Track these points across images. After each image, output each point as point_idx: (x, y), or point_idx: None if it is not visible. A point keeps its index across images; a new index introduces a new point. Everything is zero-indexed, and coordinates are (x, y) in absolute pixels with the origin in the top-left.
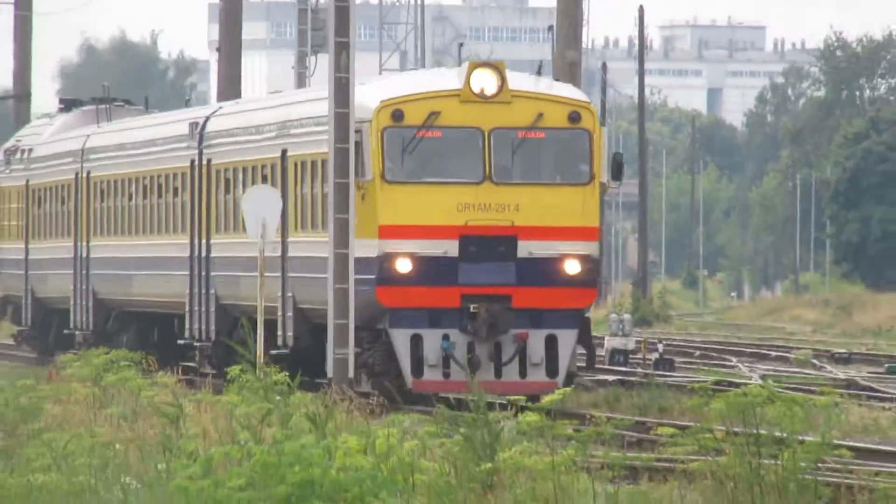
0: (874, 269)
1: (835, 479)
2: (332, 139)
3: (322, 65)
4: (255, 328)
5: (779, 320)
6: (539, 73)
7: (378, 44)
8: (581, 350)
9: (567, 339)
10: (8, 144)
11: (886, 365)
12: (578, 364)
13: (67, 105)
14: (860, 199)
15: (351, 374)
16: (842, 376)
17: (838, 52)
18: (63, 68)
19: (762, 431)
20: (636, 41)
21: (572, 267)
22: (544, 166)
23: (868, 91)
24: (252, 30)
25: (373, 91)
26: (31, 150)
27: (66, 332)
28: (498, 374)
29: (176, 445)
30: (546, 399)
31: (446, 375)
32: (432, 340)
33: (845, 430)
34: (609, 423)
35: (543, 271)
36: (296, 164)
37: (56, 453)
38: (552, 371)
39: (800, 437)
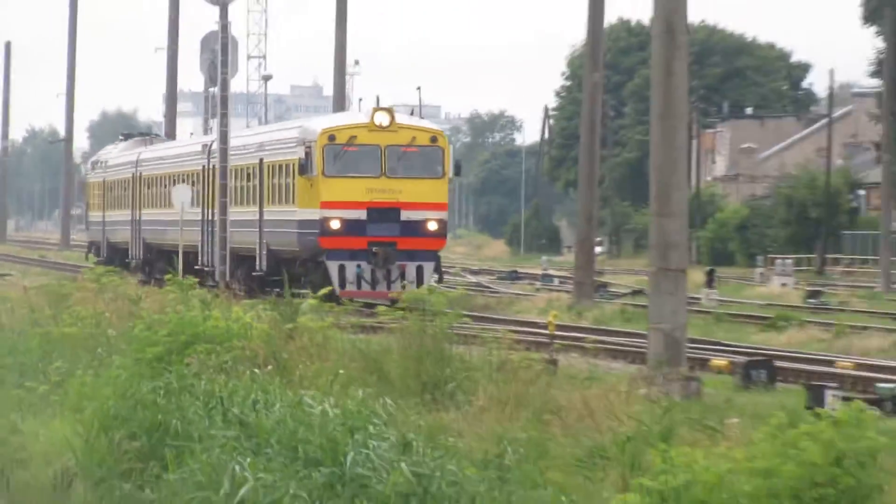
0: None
1: (461, 333)
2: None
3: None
4: (246, 263)
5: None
6: (412, 113)
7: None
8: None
9: (429, 267)
10: (92, 158)
11: (497, 275)
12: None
13: (125, 136)
14: None
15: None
16: (474, 279)
17: None
18: (91, 124)
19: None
20: None
21: (432, 226)
22: (416, 168)
23: None
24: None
25: (317, 123)
26: (106, 162)
27: (126, 261)
28: (388, 287)
29: (136, 314)
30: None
31: (359, 287)
32: (351, 268)
33: (474, 307)
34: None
35: (415, 228)
36: (268, 167)
37: (75, 317)
38: (420, 285)
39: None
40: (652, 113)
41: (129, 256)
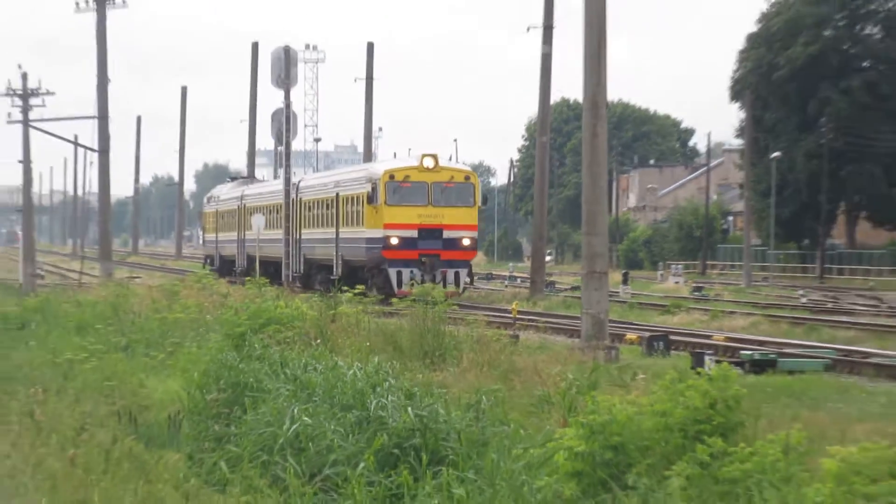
0: None
1: (451, 316)
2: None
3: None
4: (323, 270)
5: None
6: (450, 159)
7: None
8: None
9: (463, 272)
10: (207, 194)
11: (477, 277)
12: (466, 283)
13: (232, 178)
14: None
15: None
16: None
17: None
18: (196, 172)
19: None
20: None
21: (466, 242)
22: (454, 199)
23: None
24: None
25: (381, 166)
26: (218, 196)
27: (233, 269)
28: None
29: (226, 304)
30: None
31: (411, 287)
32: (405, 273)
33: (461, 298)
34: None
35: (453, 244)
36: (343, 198)
37: (183, 306)
38: (457, 286)
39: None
40: (583, 163)
41: (236, 265)
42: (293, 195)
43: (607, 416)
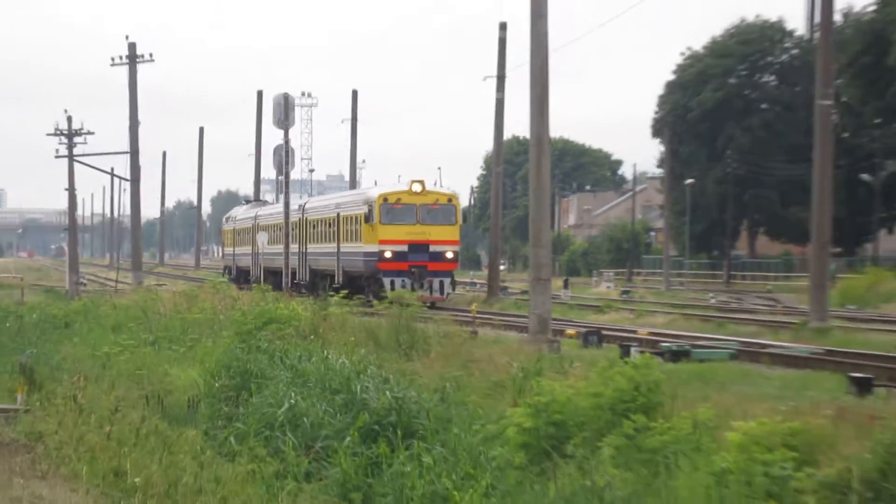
0: None
1: (422, 316)
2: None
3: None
4: (327, 279)
5: None
6: (435, 184)
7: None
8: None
9: (447, 281)
10: (226, 215)
11: None
12: (449, 291)
13: (247, 201)
14: None
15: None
16: None
17: None
18: (212, 198)
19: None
20: None
21: (449, 255)
22: (438, 218)
23: None
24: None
25: (376, 191)
26: (235, 217)
27: (248, 278)
28: (422, 295)
29: (236, 306)
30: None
31: (427, 294)
32: (398, 282)
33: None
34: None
35: (438, 256)
36: (342, 218)
37: (201, 308)
38: (441, 293)
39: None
40: (530, 189)
41: (250, 275)
42: (301, 215)
43: (550, 397)
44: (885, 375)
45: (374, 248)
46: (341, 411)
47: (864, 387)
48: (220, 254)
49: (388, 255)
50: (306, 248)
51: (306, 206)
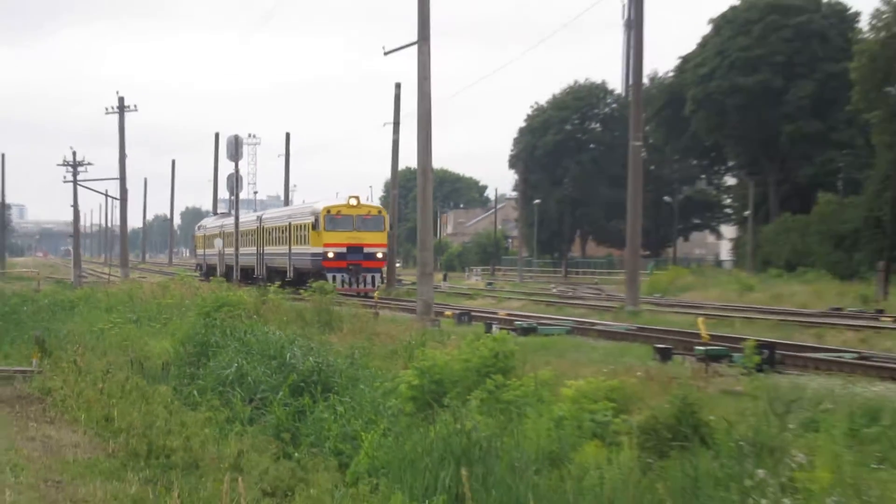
0: None
1: (338, 301)
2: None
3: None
4: (280, 275)
5: None
6: (367, 199)
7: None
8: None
9: (377, 276)
10: (198, 224)
11: None
12: (379, 283)
13: (216, 215)
14: None
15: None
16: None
17: None
18: (182, 212)
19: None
20: None
21: (379, 255)
22: (370, 226)
23: None
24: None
25: (321, 204)
26: (205, 226)
27: (215, 274)
28: (357, 286)
29: (197, 293)
30: (373, 293)
31: (342, 286)
32: (339, 277)
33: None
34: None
35: (370, 257)
36: (293, 226)
37: (171, 295)
38: (373, 285)
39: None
40: (418, 206)
41: (217, 272)
42: (259, 224)
43: (432, 362)
44: (681, 346)
45: (319, 249)
46: (276, 372)
47: (665, 355)
48: (190, 254)
49: (330, 255)
50: (263, 250)
51: (263, 217)
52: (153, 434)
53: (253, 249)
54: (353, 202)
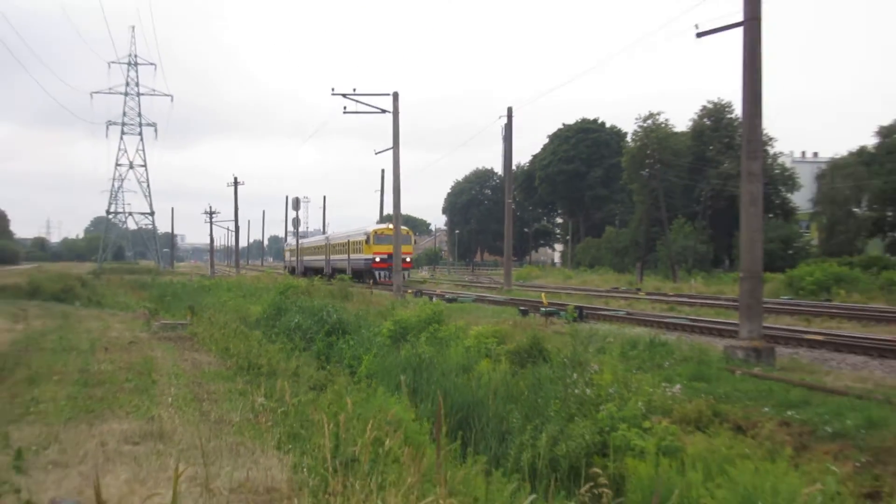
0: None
1: (353, 285)
2: (349, 239)
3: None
4: (340, 272)
5: None
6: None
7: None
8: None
9: (407, 274)
10: (285, 245)
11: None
12: (407, 277)
13: (295, 236)
14: None
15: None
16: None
17: None
18: (269, 238)
19: None
20: None
21: (408, 259)
22: (403, 241)
23: None
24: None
25: (371, 227)
26: (290, 244)
27: (296, 273)
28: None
29: (278, 281)
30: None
31: (383, 278)
32: (382, 273)
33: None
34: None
35: (402, 260)
36: (351, 242)
37: (264, 282)
38: (404, 279)
39: None
40: (395, 235)
41: (296, 272)
42: (326, 241)
43: (401, 317)
44: (533, 308)
45: (370, 256)
46: (317, 323)
47: (524, 313)
48: (274, 261)
49: (377, 259)
50: (329, 257)
51: (329, 236)
52: (251, 357)
53: (321, 256)
54: (389, 225)
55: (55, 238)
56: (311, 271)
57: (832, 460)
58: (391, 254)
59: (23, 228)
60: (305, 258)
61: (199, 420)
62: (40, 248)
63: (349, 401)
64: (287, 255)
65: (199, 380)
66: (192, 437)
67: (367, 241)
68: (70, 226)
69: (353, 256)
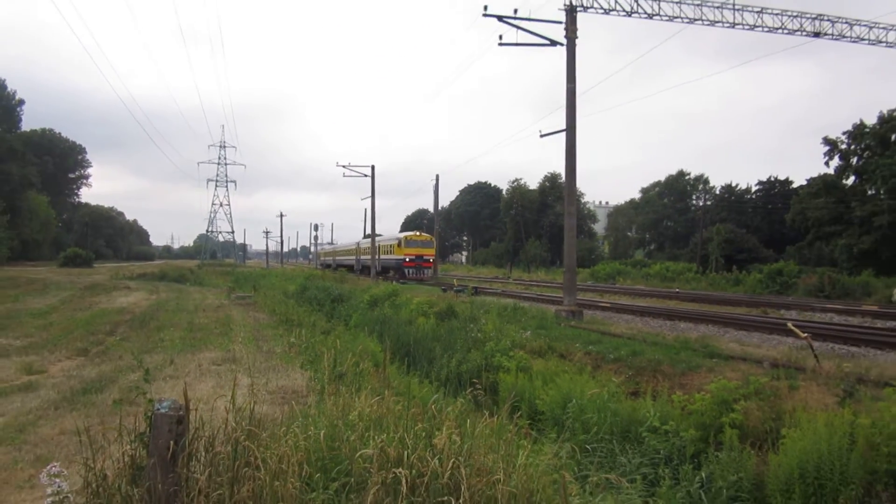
0: None
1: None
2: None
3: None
4: (365, 270)
5: None
6: (423, 231)
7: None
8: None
9: (429, 271)
10: (320, 248)
11: None
12: (430, 274)
13: (329, 244)
14: None
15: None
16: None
17: None
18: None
19: None
20: None
21: (430, 259)
22: (426, 245)
23: None
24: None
25: (402, 235)
26: (323, 247)
27: (330, 269)
28: (420, 276)
29: (314, 275)
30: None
31: (411, 274)
32: (411, 272)
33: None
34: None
35: (426, 260)
36: (381, 245)
37: (297, 274)
38: (425, 275)
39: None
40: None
41: (331, 268)
42: (355, 246)
43: (374, 291)
44: (449, 288)
45: (401, 256)
46: (327, 295)
47: (446, 291)
48: (309, 260)
49: (407, 259)
50: (360, 258)
51: (360, 243)
52: (287, 314)
53: (352, 257)
54: (417, 233)
55: (176, 246)
56: (342, 267)
57: (613, 374)
58: (419, 255)
59: (157, 240)
60: (338, 258)
61: (256, 351)
62: (167, 252)
63: (337, 342)
64: (321, 257)
65: (257, 328)
66: (252, 361)
67: (398, 245)
68: (185, 239)
69: (383, 256)
